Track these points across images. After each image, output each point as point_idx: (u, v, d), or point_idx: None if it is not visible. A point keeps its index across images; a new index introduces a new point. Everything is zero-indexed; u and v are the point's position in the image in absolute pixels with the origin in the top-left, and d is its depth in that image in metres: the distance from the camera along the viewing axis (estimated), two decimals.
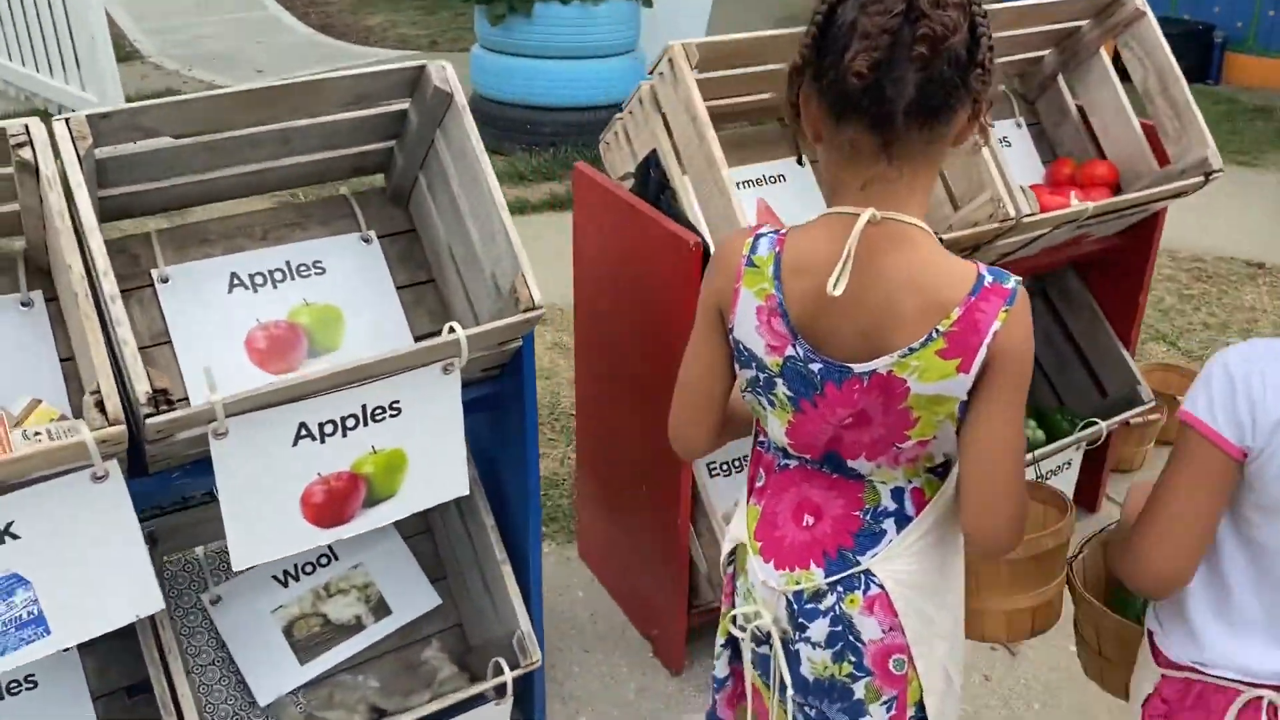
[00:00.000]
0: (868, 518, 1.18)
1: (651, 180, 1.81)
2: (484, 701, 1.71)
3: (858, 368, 1.08)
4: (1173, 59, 2.09)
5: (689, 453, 1.30)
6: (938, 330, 1.05)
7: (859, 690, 1.20)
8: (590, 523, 2.32)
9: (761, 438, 1.25)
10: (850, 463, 1.17)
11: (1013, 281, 1.06)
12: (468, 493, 1.61)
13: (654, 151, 1.80)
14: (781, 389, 1.14)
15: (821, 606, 1.18)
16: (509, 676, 1.69)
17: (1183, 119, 2.08)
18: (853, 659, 1.18)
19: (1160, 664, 1.21)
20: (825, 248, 1.05)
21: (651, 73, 1.76)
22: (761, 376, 1.15)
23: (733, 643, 1.32)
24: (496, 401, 1.68)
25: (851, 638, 1.18)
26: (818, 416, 1.13)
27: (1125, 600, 1.37)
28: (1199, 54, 6.01)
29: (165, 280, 1.58)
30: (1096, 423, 2.24)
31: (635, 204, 1.80)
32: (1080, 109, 2.29)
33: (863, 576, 1.17)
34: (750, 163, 2.03)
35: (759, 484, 1.26)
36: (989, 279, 1.05)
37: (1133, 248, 2.24)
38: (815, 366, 1.10)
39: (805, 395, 1.12)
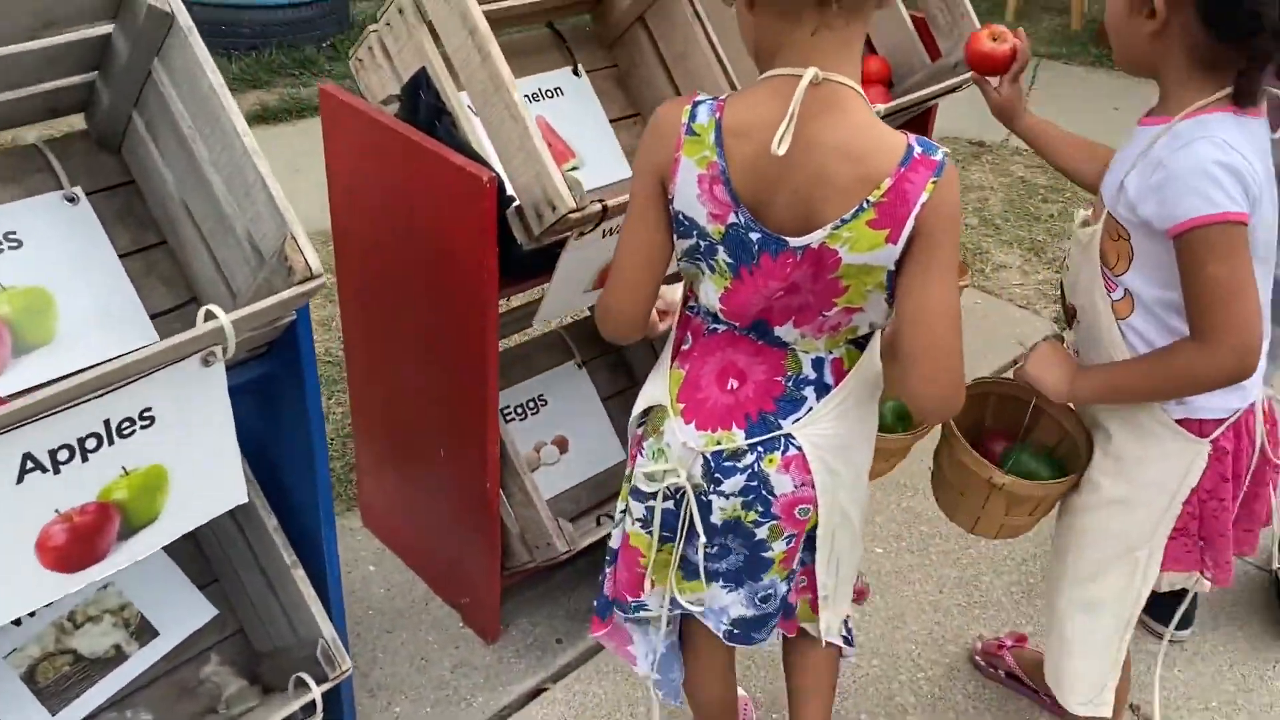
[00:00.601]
0: (790, 384, 1.24)
1: (423, 104, 1.55)
2: None
3: (793, 241, 1.11)
4: None
5: (627, 332, 1.28)
6: (868, 201, 1.08)
7: (762, 532, 1.28)
8: (375, 489, 2.08)
9: (691, 302, 1.27)
10: (776, 330, 1.20)
11: (940, 153, 1.09)
12: (246, 500, 1.35)
13: (423, 70, 1.54)
14: (723, 255, 1.15)
15: (740, 465, 1.24)
16: (317, 693, 1.47)
17: (954, 11, 2.04)
18: (760, 508, 1.26)
19: (1206, 432, 1.30)
20: (767, 109, 1.07)
21: None
22: (703, 244, 1.16)
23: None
24: (267, 385, 1.41)
25: (765, 491, 1.25)
26: (752, 285, 1.15)
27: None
28: None
29: None
30: None
31: (407, 134, 1.54)
32: None
33: (783, 439, 1.23)
34: (522, 75, 1.80)
35: (685, 347, 1.29)
36: (918, 150, 1.08)
37: None
38: (754, 235, 1.12)
39: (744, 263, 1.14)
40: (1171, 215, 1.19)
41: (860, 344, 1.25)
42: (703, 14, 1.81)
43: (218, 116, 1.24)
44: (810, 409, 1.23)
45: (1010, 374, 1.62)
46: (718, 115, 1.11)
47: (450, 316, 1.64)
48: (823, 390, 1.24)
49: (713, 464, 1.25)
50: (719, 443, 1.24)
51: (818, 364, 1.23)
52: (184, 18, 1.23)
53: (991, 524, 1.44)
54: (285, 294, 1.20)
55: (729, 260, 1.15)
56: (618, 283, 1.24)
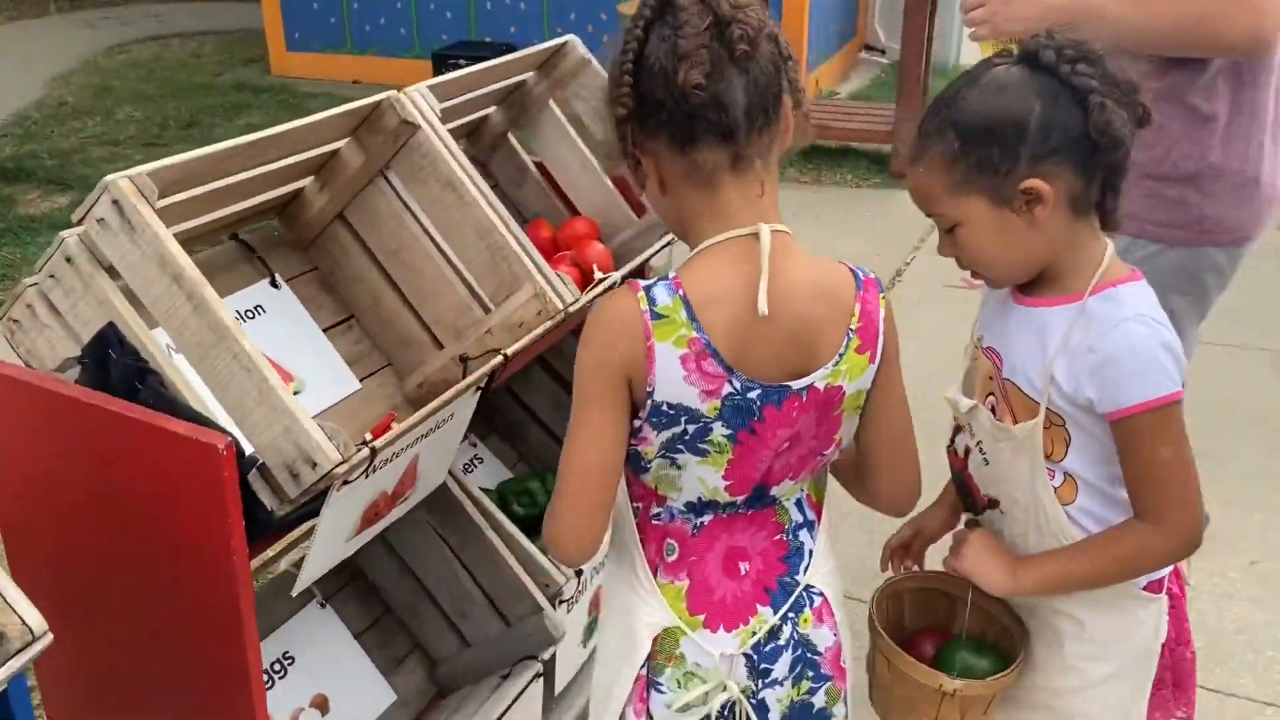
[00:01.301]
0: (789, 537, 1.22)
1: (116, 365, 1.27)
2: None
3: (795, 385, 1.10)
4: None
5: (587, 552, 1.15)
6: (850, 330, 1.12)
7: (819, 700, 1.24)
8: None
9: (657, 510, 1.19)
10: (774, 489, 1.18)
11: (869, 270, 1.16)
12: None
13: (110, 326, 1.26)
14: (718, 431, 1.11)
15: (781, 641, 1.20)
16: None
17: None
18: (811, 674, 1.22)
19: (1162, 586, 1.30)
20: (731, 271, 1.07)
21: (79, 222, 1.22)
22: (691, 429, 1.11)
23: None
24: None
25: (810, 655, 1.22)
26: (758, 444, 1.12)
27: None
28: None
29: None
30: None
31: (104, 404, 1.25)
32: (539, 165, 2.15)
33: (805, 593, 1.22)
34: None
35: (670, 558, 1.20)
36: (860, 272, 1.14)
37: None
38: (754, 394, 1.10)
39: (743, 427, 1.11)
40: (1115, 400, 1.17)
41: (819, 473, 1.26)
42: (412, 203, 1.65)
43: None
44: (812, 551, 1.23)
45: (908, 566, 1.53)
46: (680, 292, 1.07)
47: (187, 624, 1.34)
48: (811, 528, 1.24)
49: (756, 658, 1.19)
50: (754, 633, 1.19)
51: (799, 505, 1.23)
52: None
53: None
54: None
55: (726, 433, 1.10)
56: (579, 506, 1.13)
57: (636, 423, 1.12)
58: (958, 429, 1.39)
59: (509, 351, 1.54)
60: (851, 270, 1.14)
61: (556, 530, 1.14)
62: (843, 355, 1.11)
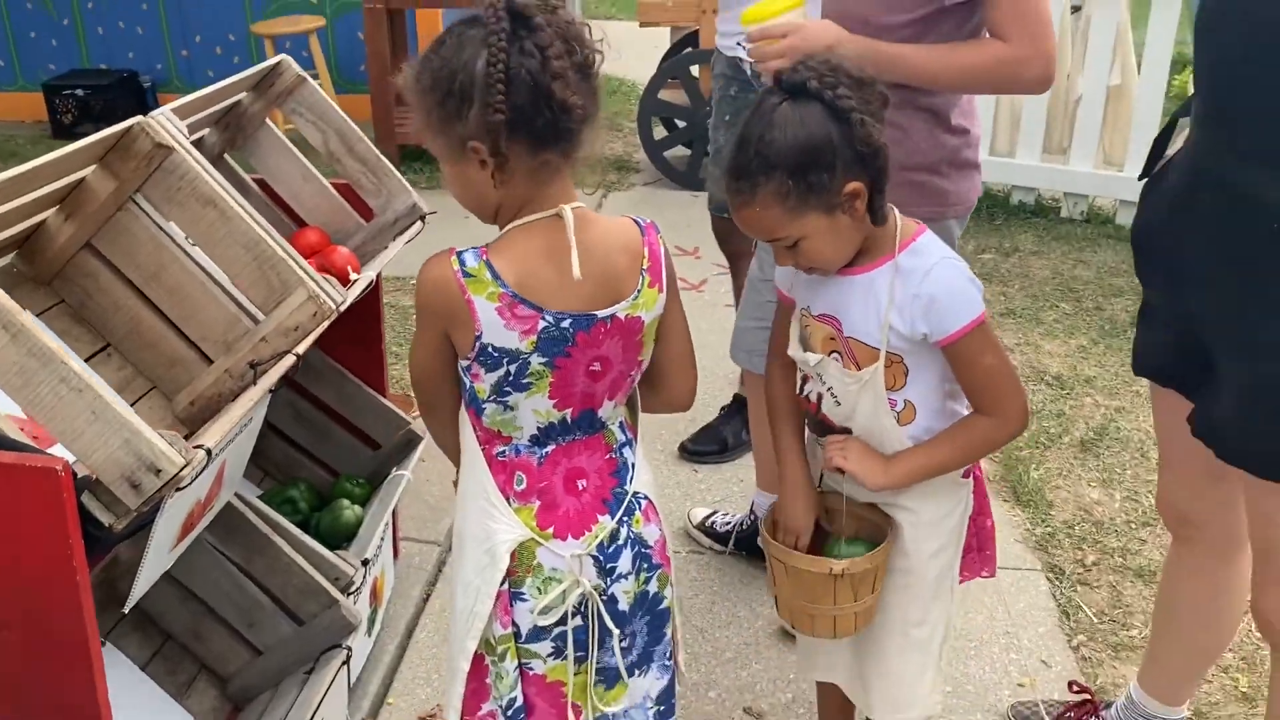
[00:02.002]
0: (617, 455, 1.45)
1: None
2: None
3: (600, 313, 1.33)
4: (349, 119, 2.13)
5: (447, 439, 1.48)
6: (644, 270, 1.36)
7: (653, 586, 1.47)
8: None
9: (501, 448, 1.40)
10: (598, 413, 1.41)
11: (644, 218, 1.40)
12: None
13: None
14: (536, 361, 1.32)
15: (620, 541, 1.43)
16: None
17: (378, 173, 2.15)
18: (646, 566, 1.46)
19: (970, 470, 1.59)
20: (540, 243, 1.30)
21: None
22: (513, 369, 1.32)
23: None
24: None
25: (643, 549, 1.46)
26: (573, 365, 1.34)
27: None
28: (135, 98, 6.01)
29: None
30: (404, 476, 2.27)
31: None
32: (260, 182, 2.20)
33: (634, 499, 1.45)
34: None
35: (519, 487, 1.41)
36: (640, 221, 1.39)
37: (361, 303, 2.25)
38: (566, 323, 1.31)
39: (559, 353, 1.32)
40: (944, 329, 1.42)
41: (629, 399, 1.50)
42: (167, 226, 1.69)
43: None
44: (634, 464, 1.47)
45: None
46: (485, 257, 1.30)
47: (28, 650, 1.33)
48: (631, 445, 1.47)
49: (602, 558, 1.41)
50: (598, 536, 1.41)
51: (621, 427, 1.47)
52: None
53: (848, 619, 1.55)
54: None
55: (543, 360, 1.32)
56: (423, 397, 1.46)
57: (466, 363, 1.35)
58: (805, 379, 1.63)
59: (300, 349, 1.63)
60: (634, 220, 1.38)
61: (421, 411, 1.50)
62: (640, 291, 1.35)
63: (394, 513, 2.37)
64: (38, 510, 1.24)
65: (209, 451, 1.34)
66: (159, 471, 1.26)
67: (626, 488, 1.44)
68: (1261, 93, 1.28)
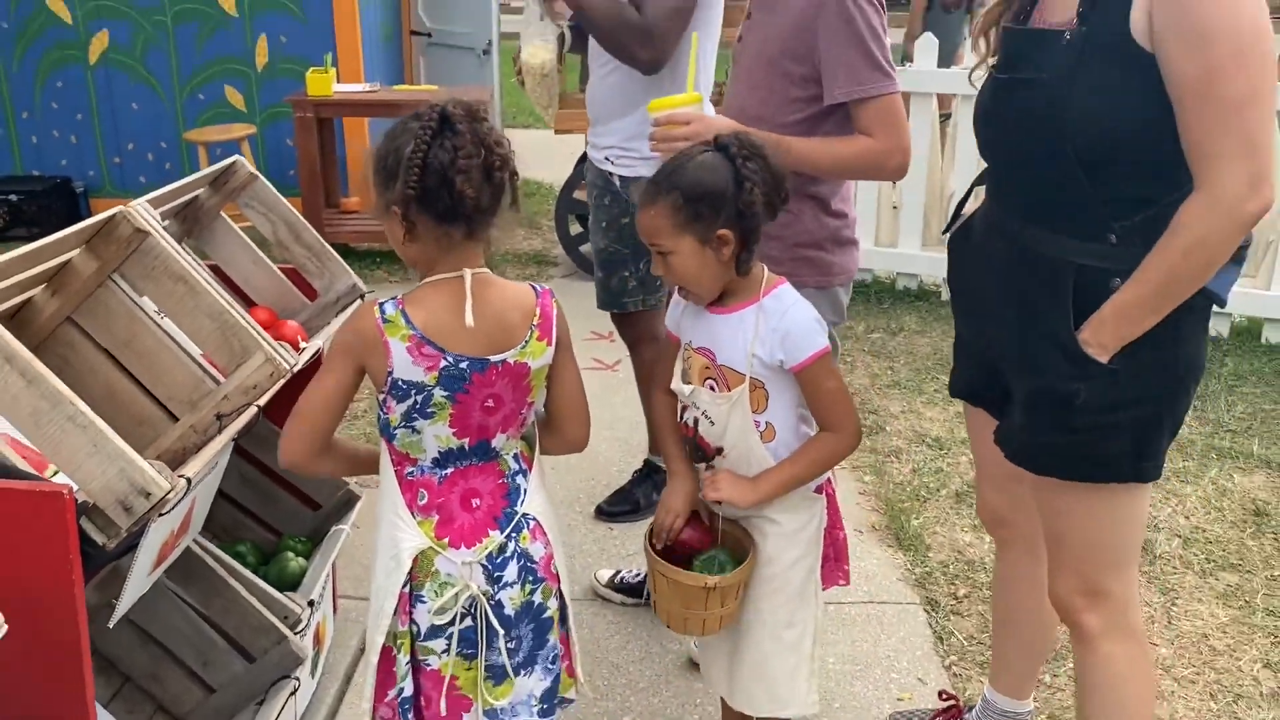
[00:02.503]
0: (509, 480, 1.70)
1: None
2: None
3: (493, 358, 1.61)
4: (295, 211, 2.41)
5: (300, 461, 1.69)
6: (534, 325, 1.64)
7: (538, 598, 1.70)
8: None
9: (410, 468, 1.66)
10: (492, 443, 1.67)
11: (543, 287, 1.70)
12: None
13: None
14: (438, 394, 1.59)
15: (508, 554, 1.67)
16: None
17: (321, 257, 2.43)
18: (531, 578, 1.69)
19: (820, 487, 1.87)
20: (447, 297, 1.60)
21: None
22: (420, 398, 1.59)
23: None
24: None
25: (529, 563, 1.69)
26: (470, 400, 1.61)
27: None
28: (68, 204, 6.21)
29: None
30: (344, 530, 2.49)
31: None
32: (214, 267, 2.46)
33: (523, 518, 1.69)
34: None
35: (421, 503, 1.66)
36: (537, 288, 1.69)
37: (302, 374, 2.50)
38: (464, 365, 1.59)
39: (459, 389, 1.59)
40: (796, 356, 1.72)
41: (528, 435, 1.77)
42: (140, 300, 1.94)
43: None
44: (526, 490, 1.71)
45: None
46: (401, 307, 1.59)
47: (23, 664, 1.54)
48: (525, 474, 1.72)
49: (490, 566, 1.64)
50: (488, 548, 1.65)
51: (516, 458, 1.72)
52: None
53: (714, 620, 1.82)
54: None
55: (445, 394, 1.59)
56: (303, 427, 1.65)
57: (381, 395, 1.61)
58: (684, 408, 1.89)
59: (261, 403, 1.88)
60: (532, 287, 1.67)
61: (286, 442, 1.67)
62: (526, 342, 1.62)
63: (333, 568, 2.59)
64: (44, 530, 1.47)
65: (189, 480, 1.58)
66: (148, 495, 1.50)
67: (516, 509, 1.69)
68: (1025, 170, 1.65)
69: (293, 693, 2.13)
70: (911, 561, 3.02)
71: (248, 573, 2.17)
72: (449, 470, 1.66)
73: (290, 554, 2.45)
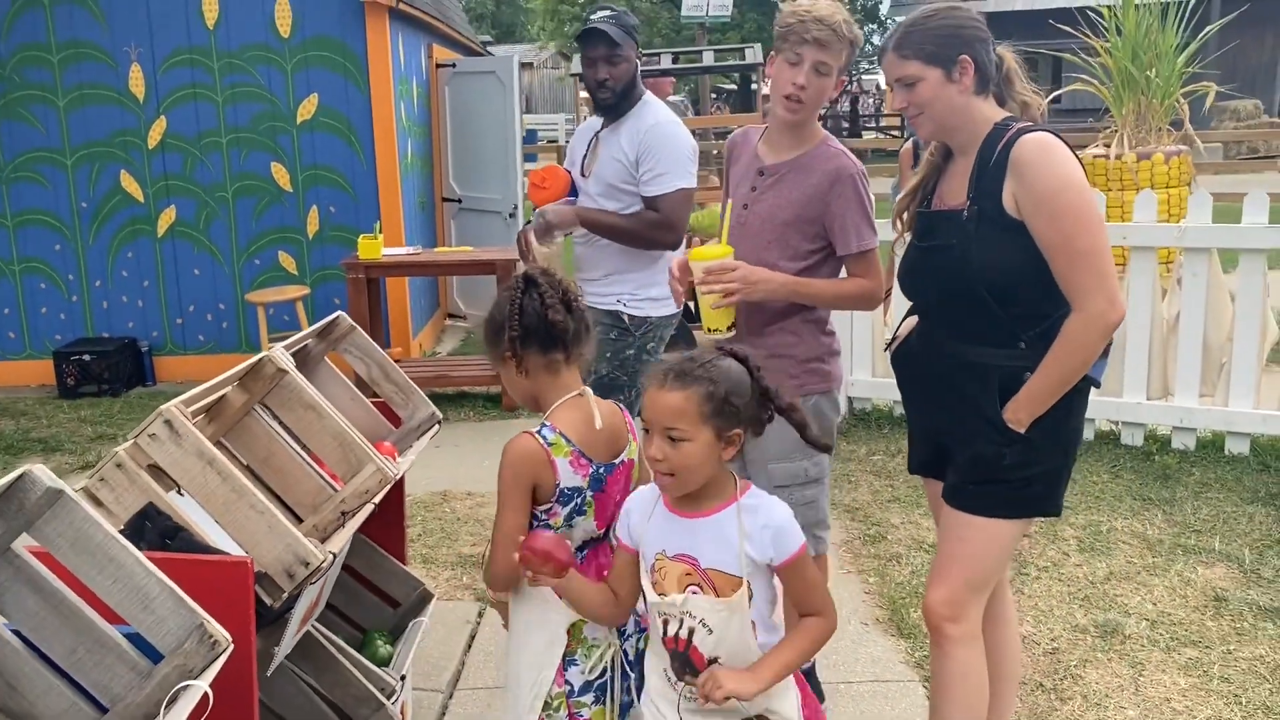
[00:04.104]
0: None
1: (149, 532, 1.97)
2: None
3: (616, 460, 2.09)
4: (384, 355, 2.95)
5: (510, 585, 2.09)
6: (629, 430, 2.13)
7: (642, 643, 2.12)
8: None
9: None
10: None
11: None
12: None
13: (150, 505, 1.97)
14: (588, 494, 2.04)
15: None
16: None
17: (406, 392, 2.96)
18: (637, 628, 2.13)
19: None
20: (577, 414, 2.07)
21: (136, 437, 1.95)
22: (578, 499, 2.03)
23: None
24: None
25: (635, 616, 2.11)
26: (606, 497, 2.07)
27: None
28: (134, 361, 6.81)
29: None
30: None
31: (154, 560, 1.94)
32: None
33: None
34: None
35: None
36: (621, 405, 2.17)
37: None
38: (602, 470, 2.05)
39: (599, 489, 2.05)
40: (785, 552, 1.81)
41: None
42: (274, 426, 2.46)
43: (113, 556, 1.61)
44: None
45: None
46: (557, 430, 2.03)
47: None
48: None
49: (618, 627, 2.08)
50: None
51: None
52: (68, 488, 1.61)
53: None
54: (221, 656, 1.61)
55: (591, 494, 2.05)
56: (501, 557, 2.01)
57: (547, 505, 2.02)
58: (666, 623, 1.87)
59: (375, 502, 2.38)
60: (613, 402, 2.16)
61: (493, 572, 2.06)
62: (629, 443, 2.13)
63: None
64: (229, 593, 1.95)
65: (334, 554, 2.06)
66: (307, 564, 1.99)
67: None
68: (949, 306, 2.24)
69: None
70: (911, 647, 3.42)
71: (352, 650, 2.62)
72: (585, 552, 2.11)
73: (379, 640, 2.89)
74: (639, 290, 3.57)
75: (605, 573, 2.08)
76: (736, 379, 1.83)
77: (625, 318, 3.55)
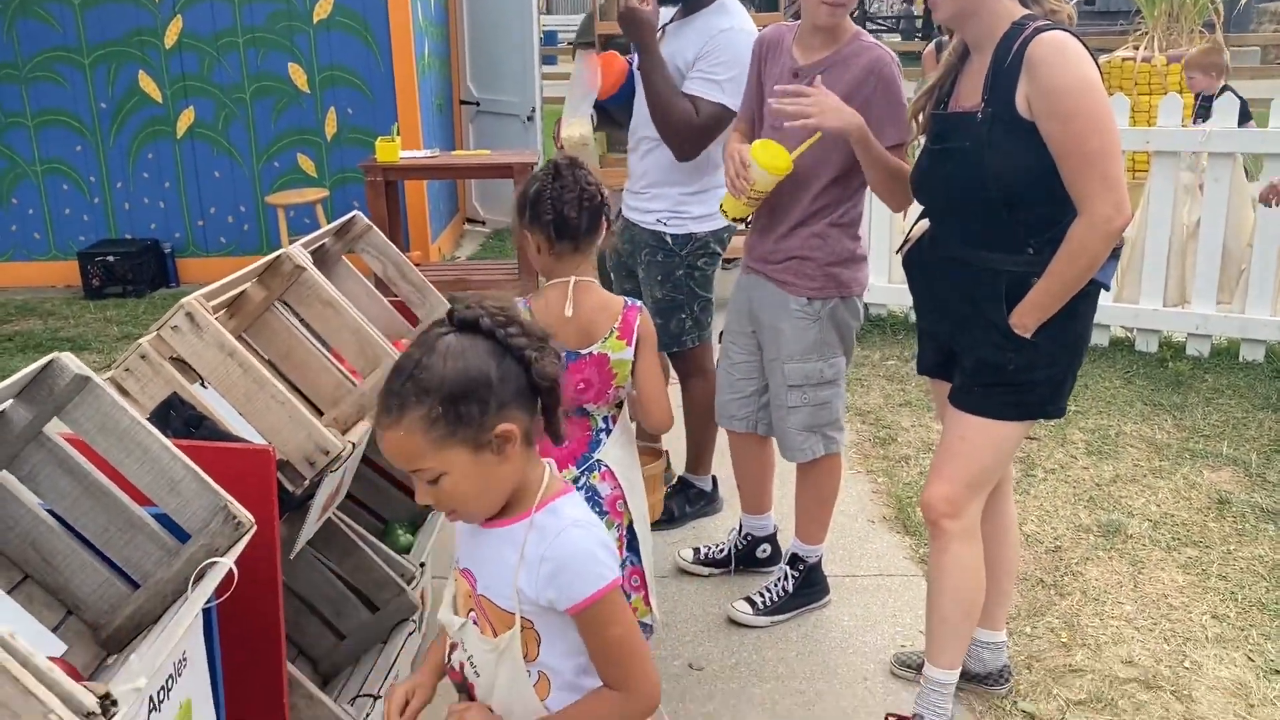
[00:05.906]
0: (594, 434, 2.32)
1: (174, 421, 2.04)
2: None
3: (581, 351, 2.25)
4: (401, 255, 3.00)
5: None
6: (615, 326, 2.27)
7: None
8: None
9: None
10: (588, 408, 2.30)
11: (637, 301, 2.32)
12: None
13: (174, 395, 2.04)
14: None
15: (579, 486, 2.25)
16: None
17: (423, 291, 3.01)
18: (597, 511, 2.23)
19: None
20: (556, 296, 2.26)
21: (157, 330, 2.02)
22: None
23: None
24: None
25: (595, 497, 2.27)
26: (567, 381, 2.07)
27: None
28: (157, 263, 6.88)
29: None
30: None
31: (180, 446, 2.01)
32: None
33: (597, 462, 2.30)
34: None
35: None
36: (631, 301, 2.31)
37: None
38: (562, 354, 1.85)
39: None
40: (570, 598, 1.37)
41: (619, 406, 2.36)
42: (294, 322, 2.52)
43: (140, 441, 1.69)
44: (604, 444, 2.31)
45: None
46: (527, 304, 2.27)
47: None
48: (608, 431, 2.34)
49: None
50: (566, 478, 2.08)
51: (605, 420, 2.35)
52: (94, 375, 1.68)
53: None
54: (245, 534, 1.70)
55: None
56: None
57: None
58: (453, 646, 1.55)
59: None
60: (624, 300, 2.29)
61: None
62: (605, 339, 2.24)
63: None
64: (253, 480, 2.03)
65: (353, 444, 2.14)
66: (327, 452, 2.06)
67: (593, 456, 2.31)
68: (960, 212, 2.24)
69: (411, 633, 2.67)
70: (915, 544, 3.51)
71: (374, 538, 2.72)
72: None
73: (400, 529, 3.00)
74: (679, 208, 3.47)
75: (565, 443, 1.89)
76: (461, 371, 1.37)
77: (668, 238, 3.50)
